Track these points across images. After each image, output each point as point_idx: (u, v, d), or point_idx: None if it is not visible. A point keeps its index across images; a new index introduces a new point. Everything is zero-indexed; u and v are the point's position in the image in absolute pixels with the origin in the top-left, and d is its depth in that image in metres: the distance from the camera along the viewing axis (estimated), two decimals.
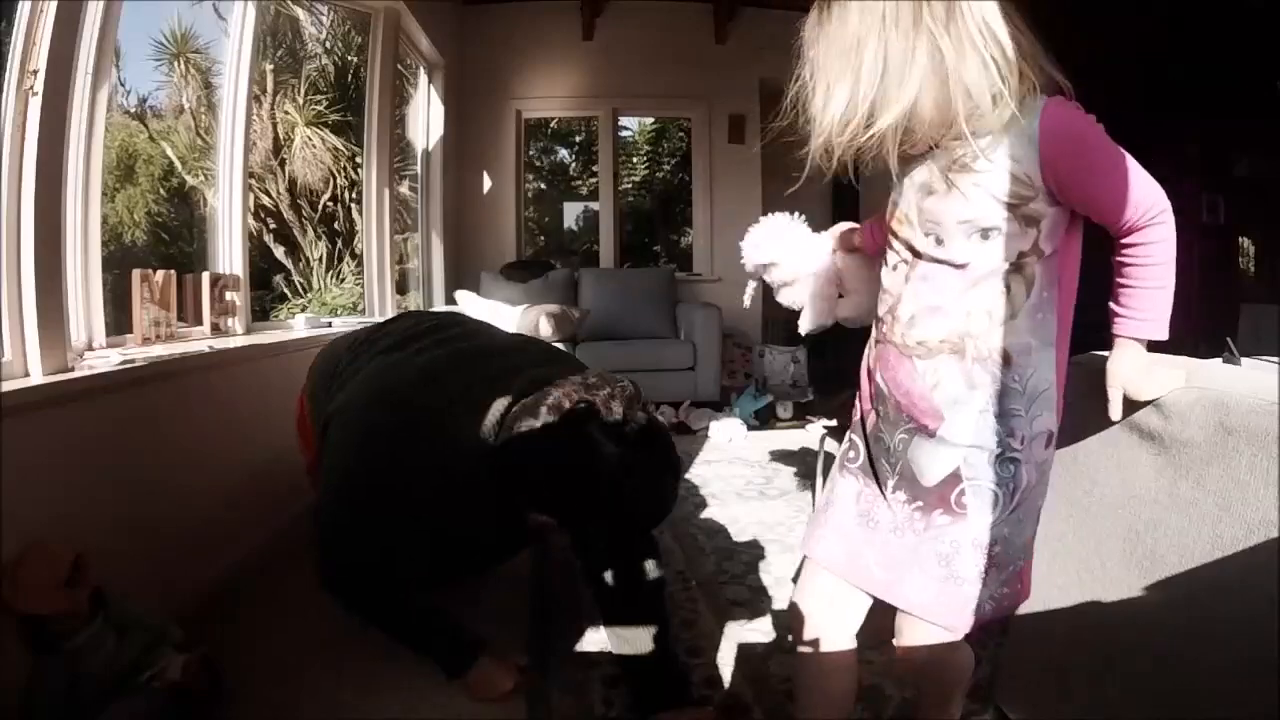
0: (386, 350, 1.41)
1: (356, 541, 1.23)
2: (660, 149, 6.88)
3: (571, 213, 6.90)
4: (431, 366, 1.30)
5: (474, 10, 4.71)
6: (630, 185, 6.73)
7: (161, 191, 3.40)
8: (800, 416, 3.92)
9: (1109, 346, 0.87)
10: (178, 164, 3.45)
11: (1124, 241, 0.82)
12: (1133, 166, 0.80)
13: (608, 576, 1.36)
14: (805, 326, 1.23)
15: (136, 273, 1.78)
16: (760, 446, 3.35)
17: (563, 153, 6.93)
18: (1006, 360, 0.80)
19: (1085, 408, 1.00)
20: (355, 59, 4.24)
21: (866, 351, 0.96)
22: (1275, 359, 0.96)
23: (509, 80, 4.80)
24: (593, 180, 5.73)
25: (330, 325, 2.78)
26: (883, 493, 0.88)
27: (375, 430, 1.23)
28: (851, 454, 0.94)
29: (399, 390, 1.27)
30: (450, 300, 3.95)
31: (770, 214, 1.27)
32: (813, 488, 2.39)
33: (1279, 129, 4.60)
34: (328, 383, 1.49)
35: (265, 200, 4.16)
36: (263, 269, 3.94)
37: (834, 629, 0.96)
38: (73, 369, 1.41)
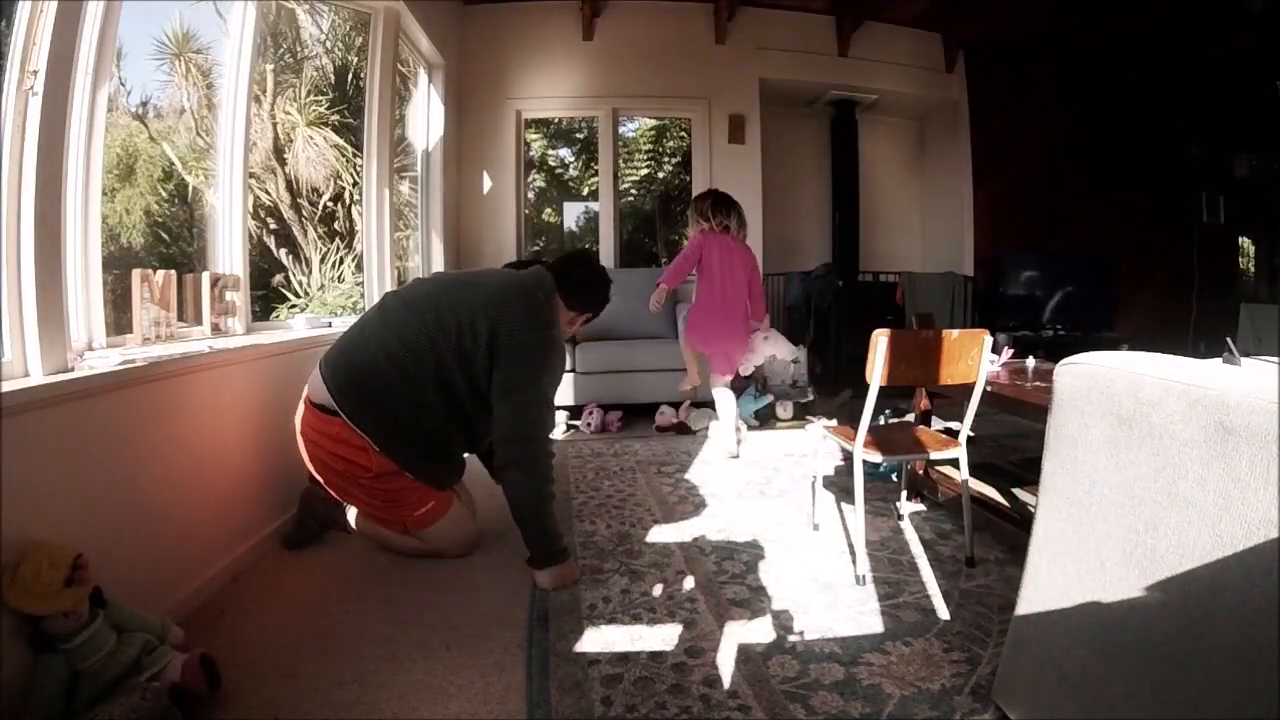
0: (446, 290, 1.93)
1: (547, 426, 1.87)
2: (661, 149, 6.88)
3: (572, 213, 6.90)
4: (498, 282, 1.92)
5: (474, 10, 4.71)
6: (630, 185, 6.73)
7: (162, 193, 3.40)
8: (800, 416, 3.92)
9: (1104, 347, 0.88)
10: (178, 164, 3.45)
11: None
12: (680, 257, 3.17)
13: None
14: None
15: (136, 273, 1.78)
16: (760, 447, 3.36)
17: (564, 152, 6.93)
18: None
19: (1085, 408, 1.01)
20: (355, 59, 4.23)
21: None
22: (1275, 359, 0.96)
23: (509, 80, 4.80)
24: (593, 180, 5.73)
25: (330, 325, 2.78)
26: None
27: (544, 347, 1.84)
28: None
29: (534, 314, 1.85)
30: None
31: None
32: (813, 501, 2.39)
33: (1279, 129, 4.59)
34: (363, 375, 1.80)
35: (265, 200, 4.15)
36: (263, 269, 3.93)
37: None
38: (73, 369, 1.41)
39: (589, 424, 3.72)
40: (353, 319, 3.06)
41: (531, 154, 5.91)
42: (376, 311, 1.94)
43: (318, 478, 1.91)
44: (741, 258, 3.16)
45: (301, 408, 1.90)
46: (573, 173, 6.76)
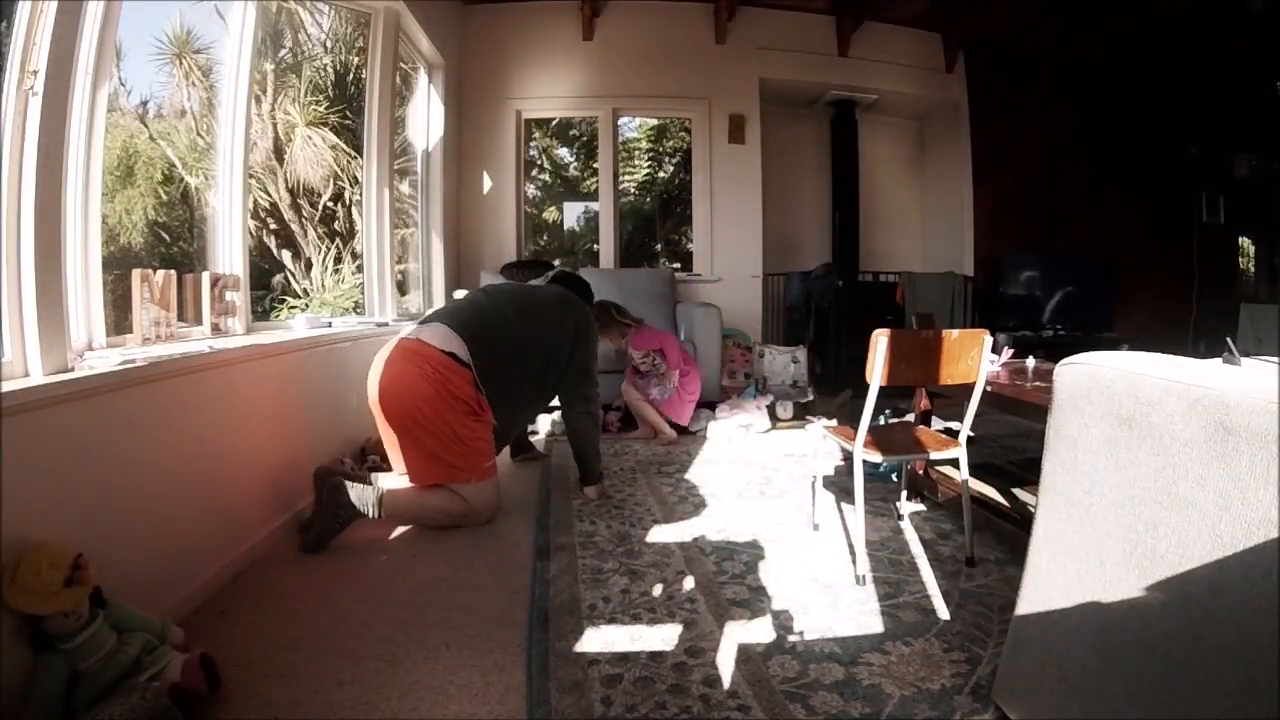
0: (526, 290, 2.59)
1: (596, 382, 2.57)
2: (661, 148, 6.89)
3: (572, 213, 6.90)
4: (556, 291, 2.59)
5: (474, 10, 4.71)
6: (631, 185, 6.73)
7: (161, 195, 3.40)
8: (800, 416, 3.92)
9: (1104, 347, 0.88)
10: (178, 164, 3.45)
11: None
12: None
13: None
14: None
15: (136, 273, 1.78)
16: (760, 447, 3.36)
17: (564, 152, 6.93)
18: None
19: (1085, 408, 1.01)
20: (355, 59, 4.24)
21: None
22: (1275, 359, 0.96)
23: (509, 80, 4.80)
24: (594, 180, 5.72)
25: (330, 325, 2.78)
26: None
27: (597, 339, 2.62)
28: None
29: (590, 316, 2.61)
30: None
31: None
32: (813, 502, 2.39)
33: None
34: (492, 341, 2.25)
35: (265, 200, 4.15)
36: (263, 269, 3.94)
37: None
38: (73, 369, 1.41)
39: None
40: (353, 319, 3.07)
41: (532, 153, 5.91)
42: (485, 297, 2.45)
43: (389, 436, 2.18)
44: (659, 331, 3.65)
45: (407, 356, 2.13)
46: (573, 172, 6.76)
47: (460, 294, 2.73)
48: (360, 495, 2.03)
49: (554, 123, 6.22)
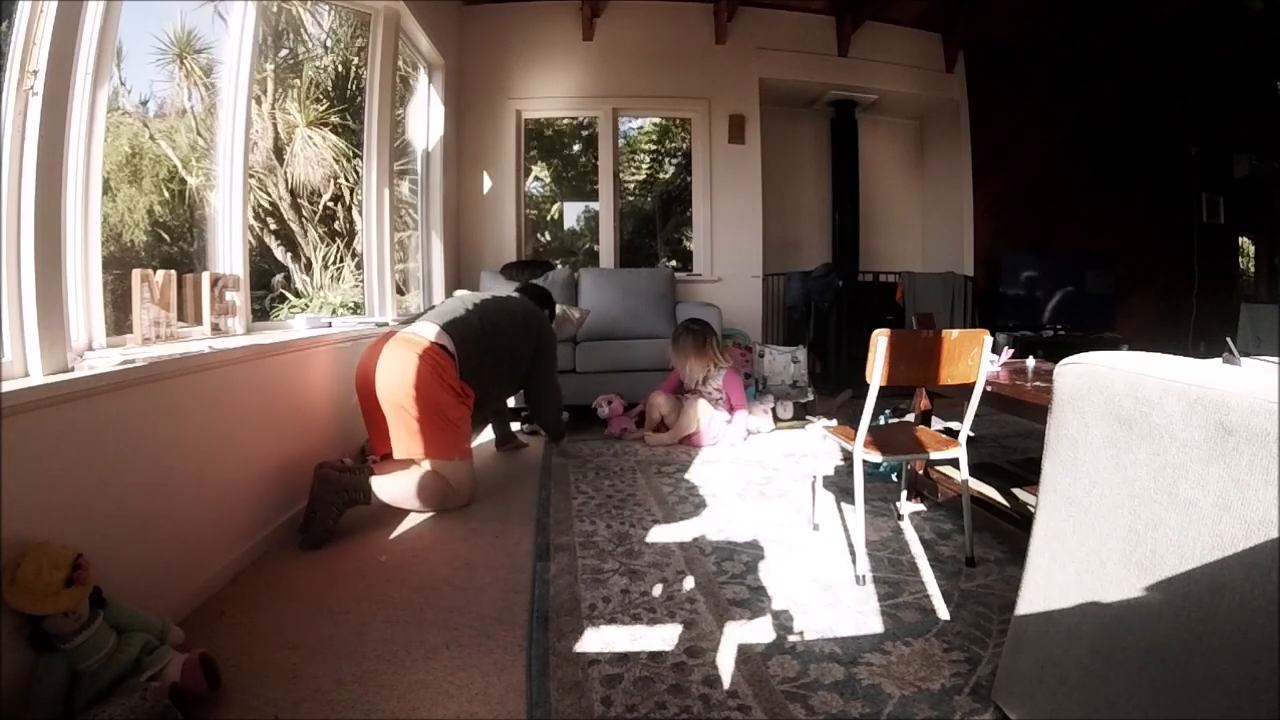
0: (500, 302, 2.86)
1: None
2: (662, 148, 6.88)
3: (573, 212, 6.89)
4: (520, 300, 2.98)
5: (474, 10, 4.71)
6: (632, 185, 6.73)
7: (165, 194, 3.40)
8: (800, 416, 3.92)
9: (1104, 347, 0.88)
10: (178, 164, 3.45)
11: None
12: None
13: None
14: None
15: (136, 273, 1.78)
16: (760, 447, 3.36)
17: (564, 152, 6.92)
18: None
19: (1085, 408, 1.01)
20: (355, 59, 4.24)
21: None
22: (1275, 359, 0.96)
23: (509, 80, 4.80)
24: (595, 180, 5.72)
25: (330, 325, 2.78)
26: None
27: (555, 342, 3.10)
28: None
29: (548, 323, 3.06)
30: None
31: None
32: (813, 502, 2.39)
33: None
34: (474, 340, 2.53)
35: (265, 200, 4.15)
36: (263, 269, 3.94)
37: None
38: (73, 369, 1.41)
39: (604, 413, 3.70)
40: (353, 319, 3.07)
41: (533, 152, 5.91)
42: (461, 305, 2.67)
43: (410, 411, 2.33)
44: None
45: (416, 351, 2.33)
46: (574, 172, 6.76)
47: (439, 300, 2.94)
48: (351, 481, 2.15)
49: (558, 122, 6.21)
